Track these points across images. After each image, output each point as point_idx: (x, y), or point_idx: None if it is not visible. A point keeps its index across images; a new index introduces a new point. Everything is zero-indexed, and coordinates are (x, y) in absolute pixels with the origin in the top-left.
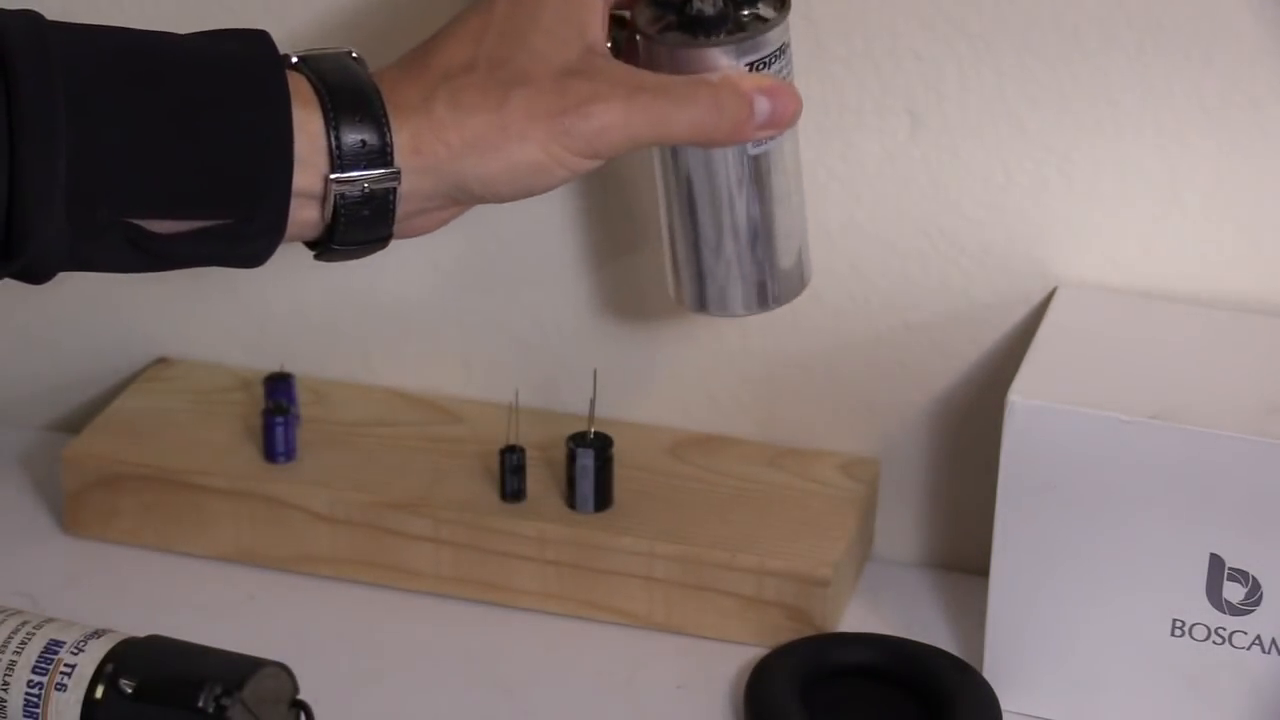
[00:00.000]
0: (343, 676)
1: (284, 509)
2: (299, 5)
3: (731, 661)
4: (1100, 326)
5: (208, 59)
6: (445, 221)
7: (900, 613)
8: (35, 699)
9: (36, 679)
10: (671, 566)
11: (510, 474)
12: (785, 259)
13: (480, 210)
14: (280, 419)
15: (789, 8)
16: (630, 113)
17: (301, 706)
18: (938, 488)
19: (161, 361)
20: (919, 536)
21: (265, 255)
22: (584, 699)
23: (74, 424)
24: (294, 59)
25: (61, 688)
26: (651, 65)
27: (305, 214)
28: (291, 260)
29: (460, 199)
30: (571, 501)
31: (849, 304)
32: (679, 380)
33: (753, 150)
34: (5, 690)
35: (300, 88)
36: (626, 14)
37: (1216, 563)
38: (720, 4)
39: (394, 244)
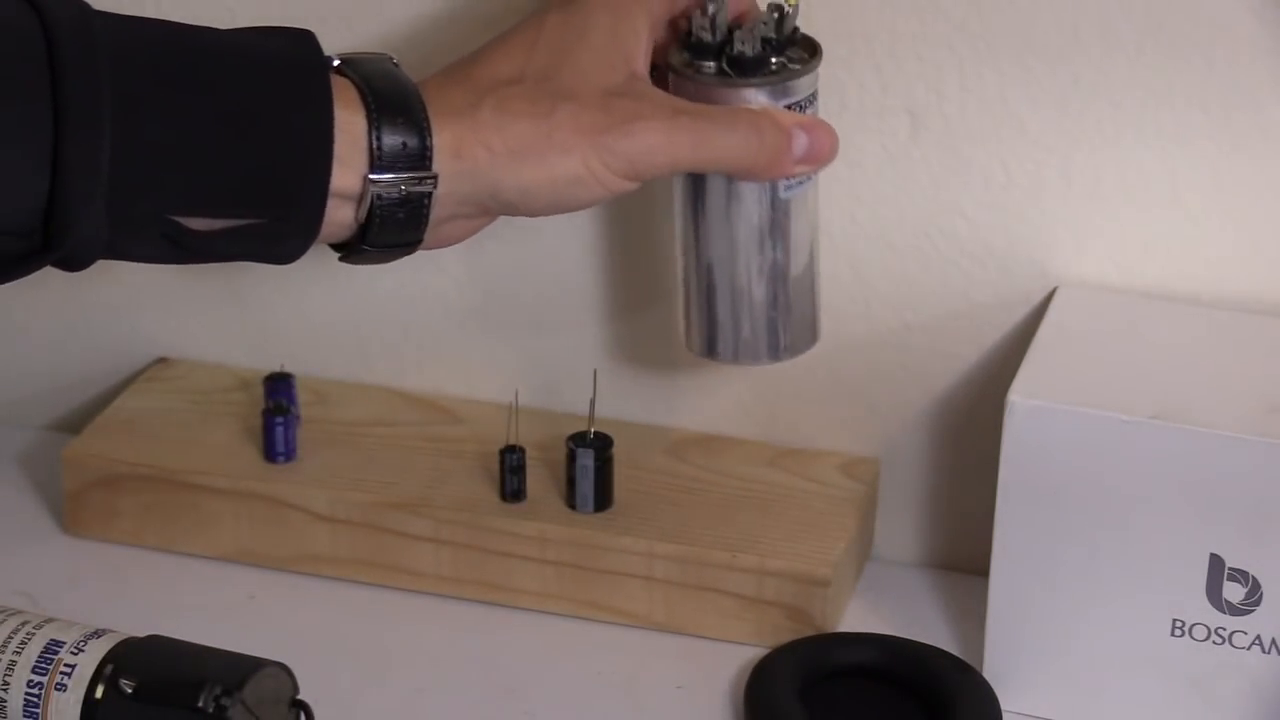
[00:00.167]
0: (343, 676)
1: (284, 509)
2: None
3: (731, 661)
4: (1100, 326)
5: (255, 58)
6: (473, 232)
7: (900, 613)
8: (35, 699)
9: (36, 679)
10: (671, 566)
11: (510, 474)
12: (800, 310)
13: None
14: (280, 419)
15: (820, 56)
16: (673, 134)
17: (301, 706)
18: (938, 488)
19: (161, 361)
20: (919, 536)
21: (298, 254)
22: (584, 699)
23: (74, 424)
24: (336, 61)
25: (61, 688)
26: None
27: (340, 214)
28: None
29: (492, 208)
30: (571, 501)
31: (849, 304)
32: (679, 380)
33: (784, 194)
34: (5, 690)
35: (344, 89)
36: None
37: (1216, 563)
38: (759, 47)
39: None
